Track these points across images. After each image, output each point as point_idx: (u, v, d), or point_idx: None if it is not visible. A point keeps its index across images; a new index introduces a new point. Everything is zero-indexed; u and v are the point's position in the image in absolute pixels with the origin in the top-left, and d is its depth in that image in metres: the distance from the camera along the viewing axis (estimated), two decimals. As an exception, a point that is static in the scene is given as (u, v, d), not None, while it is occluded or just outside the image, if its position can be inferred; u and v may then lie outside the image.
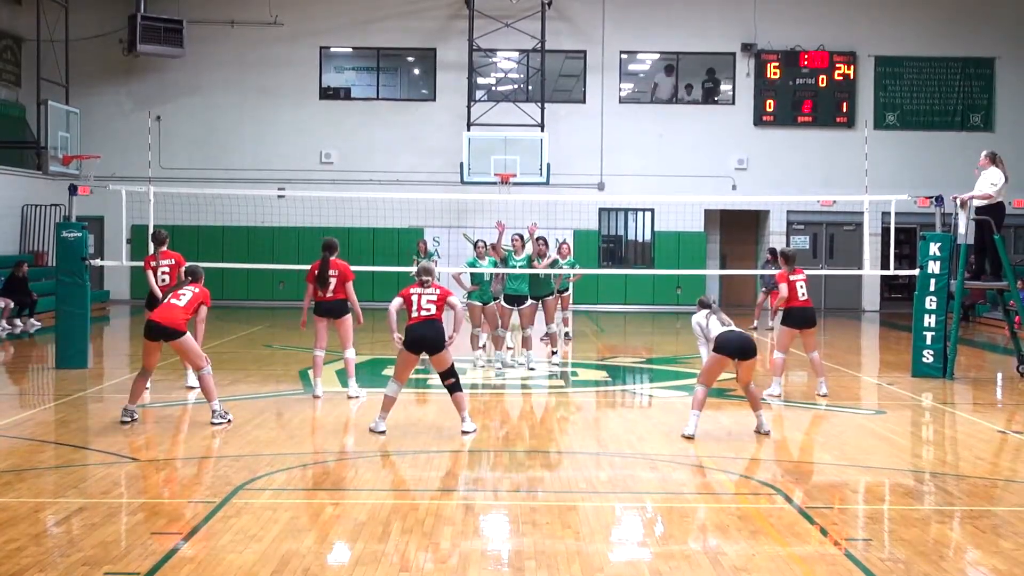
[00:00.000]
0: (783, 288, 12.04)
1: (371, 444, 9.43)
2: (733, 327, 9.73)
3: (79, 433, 9.94)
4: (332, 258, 11.63)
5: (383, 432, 9.73)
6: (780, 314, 12.45)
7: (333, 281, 11.56)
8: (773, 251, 21.98)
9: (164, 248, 12.36)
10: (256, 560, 6.01)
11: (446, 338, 9.66)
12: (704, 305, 10.04)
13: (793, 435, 10.15)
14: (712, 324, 9.79)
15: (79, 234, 14.21)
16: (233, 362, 15.07)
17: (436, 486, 8.03)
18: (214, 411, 10.18)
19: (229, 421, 10.18)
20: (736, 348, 9.56)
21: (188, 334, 10.14)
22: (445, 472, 8.50)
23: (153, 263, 12.28)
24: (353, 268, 11.79)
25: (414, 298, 9.68)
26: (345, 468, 8.67)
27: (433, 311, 9.66)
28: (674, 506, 7.51)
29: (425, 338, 9.58)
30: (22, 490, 7.61)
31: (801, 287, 12.10)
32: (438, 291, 9.76)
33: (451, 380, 9.77)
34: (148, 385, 10.75)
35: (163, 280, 12.12)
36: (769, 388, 12.08)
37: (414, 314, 9.64)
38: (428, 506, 7.27)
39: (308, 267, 11.71)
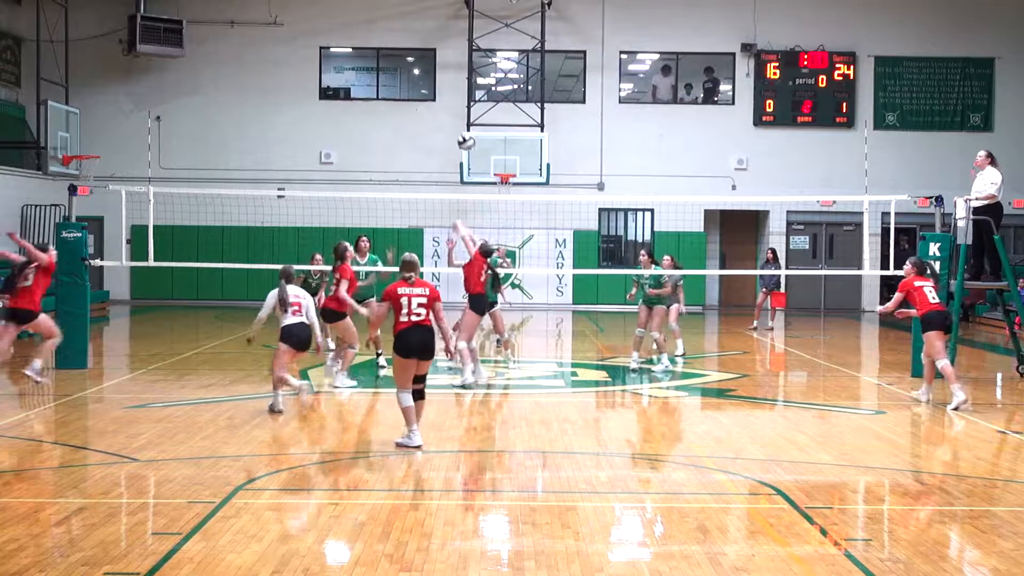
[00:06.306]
0: (898, 296, 12.06)
1: (371, 444, 9.43)
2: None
3: (79, 433, 9.95)
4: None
5: (419, 446, 9.06)
6: (915, 322, 12.03)
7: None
8: (774, 251, 22.01)
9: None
10: (256, 560, 6.01)
11: (442, 347, 9.48)
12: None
13: (793, 435, 10.14)
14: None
15: (79, 234, 14.20)
16: (233, 362, 15.06)
17: (436, 486, 8.03)
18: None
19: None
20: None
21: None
22: (445, 472, 8.50)
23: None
24: (351, 268, 11.80)
25: (403, 300, 9.01)
26: (345, 468, 8.67)
27: (424, 315, 9.04)
28: (674, 506, 7.51)
29: (425, 345, 9.02)
30: (22, 490, 7.61)
31: (930, 291, 11.97)
32: (427, 290, 9.13)
33: (420, 386, 9.20)
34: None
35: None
36: (953, 401, 11.51)
37: (404, 318, 9.00)
38: (428, 506, 7.28)
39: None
